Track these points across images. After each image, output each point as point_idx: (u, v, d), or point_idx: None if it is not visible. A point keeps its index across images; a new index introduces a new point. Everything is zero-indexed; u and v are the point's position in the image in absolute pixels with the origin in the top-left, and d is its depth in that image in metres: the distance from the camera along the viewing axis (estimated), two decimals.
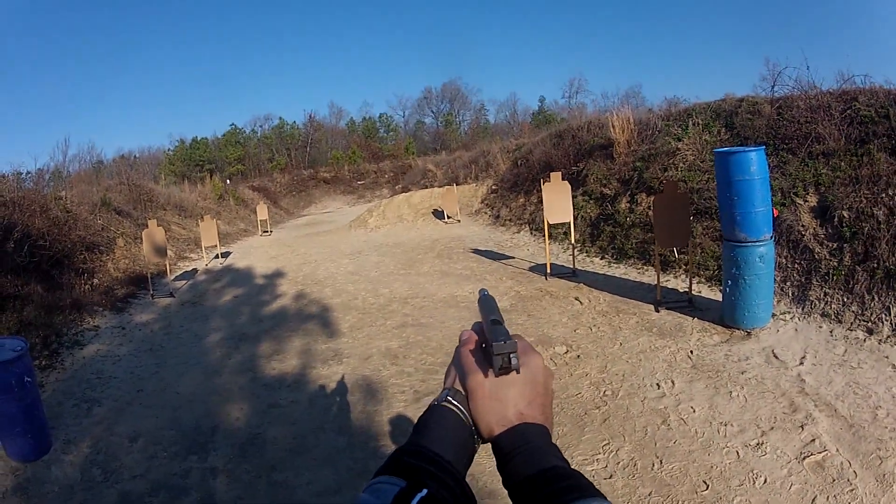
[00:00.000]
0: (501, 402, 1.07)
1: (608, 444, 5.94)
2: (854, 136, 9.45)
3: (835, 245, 8.37)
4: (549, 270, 11.79)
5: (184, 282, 14.96)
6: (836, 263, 8.17)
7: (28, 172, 20.27)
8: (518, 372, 1.05)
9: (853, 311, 7.55)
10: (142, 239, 14.10)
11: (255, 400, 7.66)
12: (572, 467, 1.01)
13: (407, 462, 0.98)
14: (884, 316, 7.20)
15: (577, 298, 10.20)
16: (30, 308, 10.07)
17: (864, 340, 7.08)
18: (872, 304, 7.40)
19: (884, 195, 8.17)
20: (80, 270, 13.03)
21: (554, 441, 1.03)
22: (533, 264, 12.98)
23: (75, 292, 11.95)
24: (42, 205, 13.70)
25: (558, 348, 8.31)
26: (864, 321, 7.36)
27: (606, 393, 6.94)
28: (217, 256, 18.07)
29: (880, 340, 6.97)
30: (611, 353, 7.93)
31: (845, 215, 8.37)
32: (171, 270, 15.39)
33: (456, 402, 1.09)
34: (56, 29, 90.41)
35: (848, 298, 7.72)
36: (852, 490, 4.75)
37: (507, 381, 1.07)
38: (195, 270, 16.43)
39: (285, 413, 7.26)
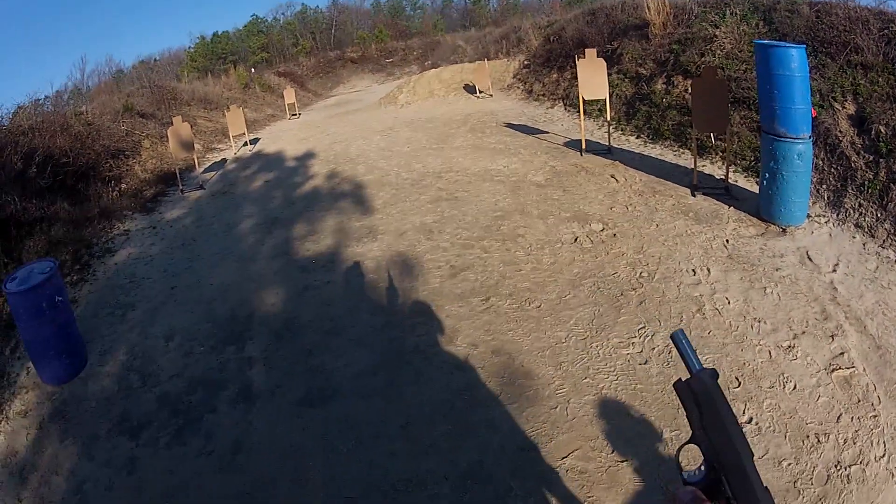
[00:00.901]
0: None
1: (644, 328, 5.89)
2: (892, 55, 8.99)
3: (871, 158, 8.04)
4: (584, 146, 11.54)
5: (213, 173, 14.77)
6: (871, 176, 7.84)
7: (46, 97, 20.06)
8: None
9: (886, 229, 7.26)
10: (167, 137, 13.93)
11: (290, 283, 7.63)
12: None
13: None
14: None
15: (612, 176, 9.96)
16: (57, 226, 9.95)
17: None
18: None
19: None
20: (106, 179, 12.93)
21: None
22: (567, 140, 12.69)
23: (103, 201, 11.87)
24: (62, 124, 13.51)
25: (594, 225, 8.18)
26: None
27: (642, 275, 6.84)
28: (246, 144, 17.76)
29: None
30: (647, 234, 7.79)
31: (882, 130, 8.00)
32: (199, 163, 15.19)
33: None
34: None
35: (882, 214, 7.42)
36: (875, 416, 4.65)
37: None
38: (224, 160, 16.23)
39: (320, 294, 7.25)
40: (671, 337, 1.34)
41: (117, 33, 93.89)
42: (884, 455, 4.30)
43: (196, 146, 15.19)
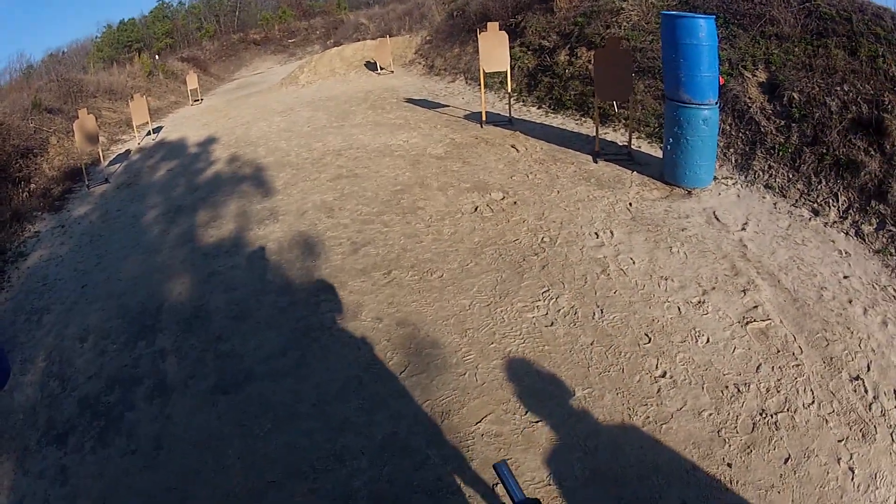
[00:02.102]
0: None
1: (548, 291, 6.05)
2: (812, 27, 9.22)
3: (782, 122, 8.26)
4: (484, 118, 11.65)
5: (118, 165, 14.56)
6: (782, 140, 8.07)
7: None
8: None
9: (798, 189, 7.51)
10: (73, 131, 13.67)
11: (196, 271, 7.66)
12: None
13: None
14: (831, 201, 7.15)
15: (513, 146, 10.12)
16: None
17: (810, 220, 7.05)
18: (819, 187, 7.34)
19: (838, 88, 7.98)
20: (16, 180, 12.69)
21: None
22: (468, 112, 12.86)
23: (14, 203, 11.66)
24: None
25: (494, 194, 8.34)
26: (809, 201, 7.32)
27: (544, 240, 7.01)
28: (149, 133, 17.53)
29: (826, 224, 6.94)
30: (548, 201, 7.97)
31: (795, 97, 8.24)
32: (104, 156, 15.02)
33: None
34: None
35: (794, 175, 7.67)
36: (798, 365, 4.86)
37: None
38: (128, 151, 15.96)
39: (225, 280, 7.28)
40: (494, 468, 1.42)
41: (28, 27, 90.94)
42: (812, 402, 4.53)
43: (101, 138, 15.00)
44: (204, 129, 16.45)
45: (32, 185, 12.76)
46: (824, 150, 7.55)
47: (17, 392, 6.16)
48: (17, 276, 8.91)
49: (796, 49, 9.00)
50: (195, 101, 24.82)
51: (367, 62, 21.30)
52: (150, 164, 13.72)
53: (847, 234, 6.71)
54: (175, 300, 7.07)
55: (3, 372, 6.17)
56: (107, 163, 14.67)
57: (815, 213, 7.13)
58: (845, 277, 5.98)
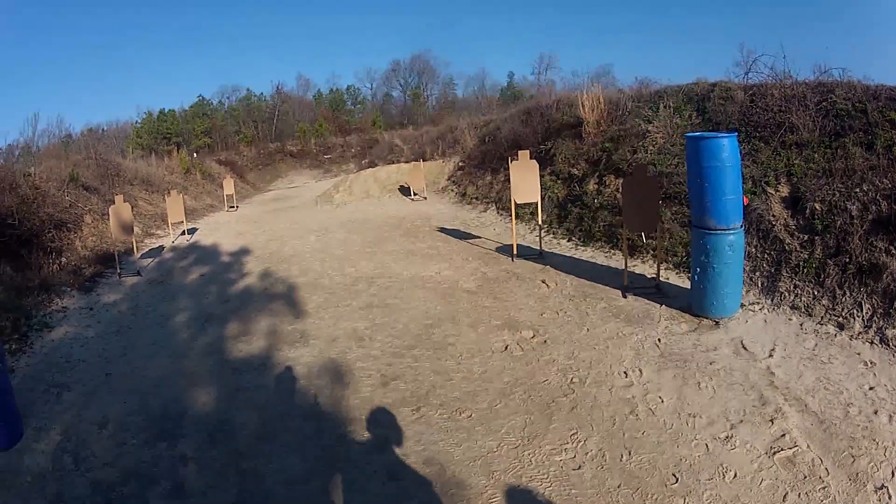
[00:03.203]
0: None
1: (576, 433, 5.98)
2: (829, 128, 9.44)
3: (806, 237, 8.37)
4: (515, 252, 11.80)
5: (150, 259, 14.81)
6: (806, 256, 8.17)
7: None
8: None
9: (824, 305, 7.58)
10: (109, 215, 13.89)
11: (222, 384, 7.64)
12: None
13: None
14: (855, 311, 7.23)
15: (543, 281, 10.23)
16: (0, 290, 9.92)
17: (835, 335, 7.11)
18: (843, 299, 7.43)
19: (857, 190, 8.14)
20: (48, 249, 12.88)
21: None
22: (499, 245, 13.03)
23: (43, 272, 11.82)
24: (11, 182, 13.57)
25: (525, 332, 8.34)
26: (834, 316, 7.38)
27: (574, 380, 6.97)
28: (184, 233, 17.90)
29: (851, 336, 7.00)
30: (578, 339, 7.97)
31: (817, 207, 8.37)
32: (137, 248, 15.22)
33: None
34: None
35: (818, 292, 7.74)
36: (825, 488, 4.82)
37: None
38: (162, 247, 16.27)
39: (252, 398, 7.25)
40: None
41: (69, 95, 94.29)
42: None
43: (136, 229, 15.23)
44: (238, 238, 16.83)
45: (63, 259, 13.01)
46: (847, 260, 7.65)
47: (26, 455, 6.20)
48: (41, 345, 9.04)
49: (816, 155, 9.19)
50: (231, 207, 25.35)
51: (401, 186, 21.78)
52: (183, 265, 13.97)
53: (872, 342, 6.80)
54: (200, 409, 7.07)
55: (17, 433, 6.36)
56: (139, 255, 14.93)
57: (841, 327, 7.20)
58: (871, 388, 6.04)
